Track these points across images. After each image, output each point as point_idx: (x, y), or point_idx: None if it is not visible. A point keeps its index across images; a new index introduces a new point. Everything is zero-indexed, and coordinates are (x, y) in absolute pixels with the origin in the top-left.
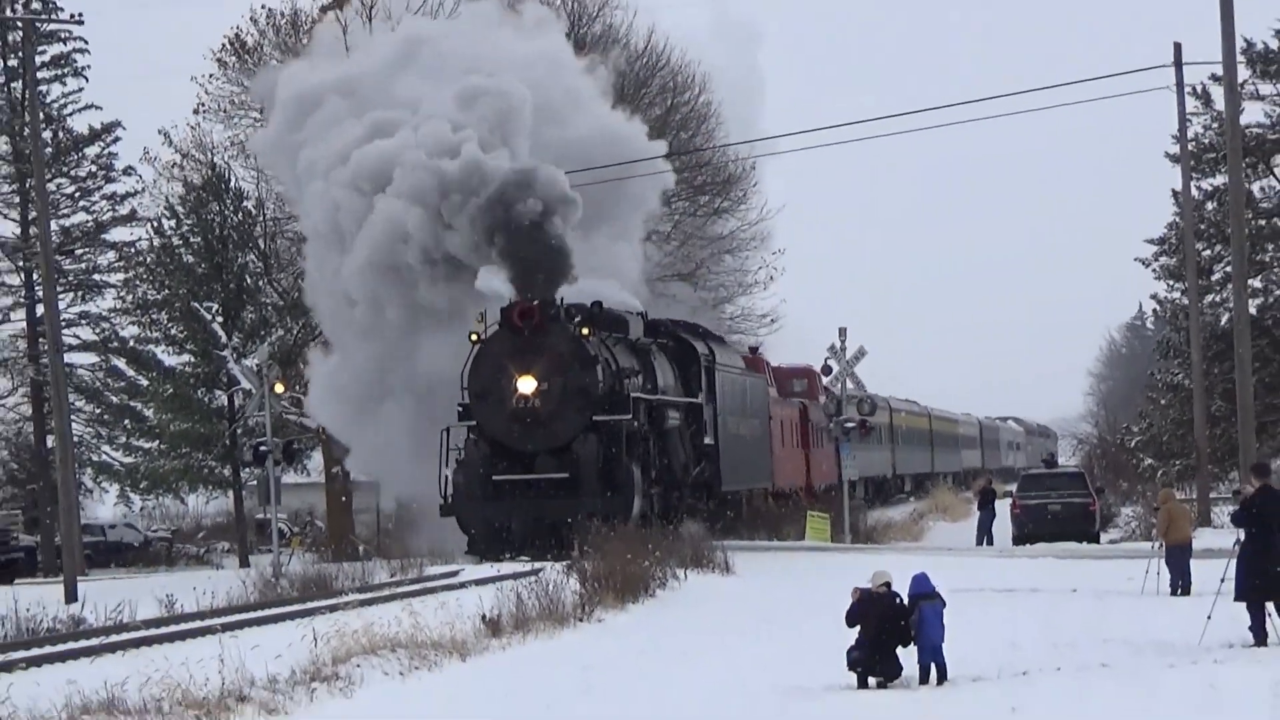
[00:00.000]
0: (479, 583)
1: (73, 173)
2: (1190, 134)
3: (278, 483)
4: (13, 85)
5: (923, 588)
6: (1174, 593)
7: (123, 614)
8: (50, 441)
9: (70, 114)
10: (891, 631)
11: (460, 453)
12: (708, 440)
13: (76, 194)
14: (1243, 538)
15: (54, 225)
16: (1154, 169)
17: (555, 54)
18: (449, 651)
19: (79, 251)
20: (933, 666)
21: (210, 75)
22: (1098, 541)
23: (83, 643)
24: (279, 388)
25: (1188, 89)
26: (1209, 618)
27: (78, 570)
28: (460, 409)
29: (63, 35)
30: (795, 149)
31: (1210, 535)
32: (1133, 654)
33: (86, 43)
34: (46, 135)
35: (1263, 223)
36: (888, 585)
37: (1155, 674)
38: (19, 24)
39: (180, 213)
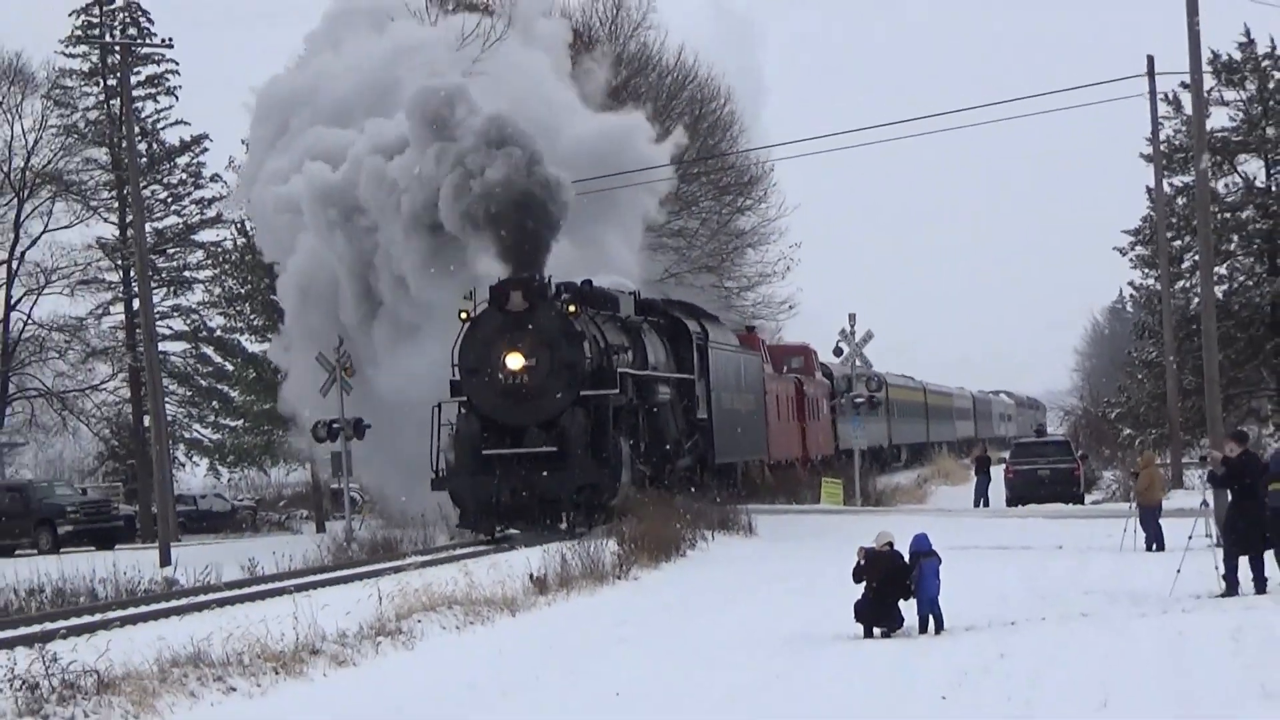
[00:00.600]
0: (528, 545)
1: (165, 180)
2: (1162, 136)
3: (349, 456)
4: (112, 102)
5: (922, 546)
6: (1149, 549)
7: (210, 576)
8: (146, 421)
9: (163, 127)
10: (893, 586)
11: (452, 428)
12: (701, 415)
13: (168, 199)
14: (1211, 500)
15: (148, 228)
16: (1130, 167)
17: (534, 67)
18: (500, 607)
19: (171, 251)
20: (930, 618)
21: None
22: (1082, 503)
23: (173, 603)
24: (348, 371)
25: (1160, 96)
26: (1178, 571)
27: (171, 537)
28: (451, 385)
29: (156, 58)
30: (806, 154)
31: (1182, 496)
32: (1109, 604)
33: (177, 64)
34: (142, 147)
35: (1228, 216)
36: (890, 544)
37: (1129, 622)
38: (117, 48)
39: None
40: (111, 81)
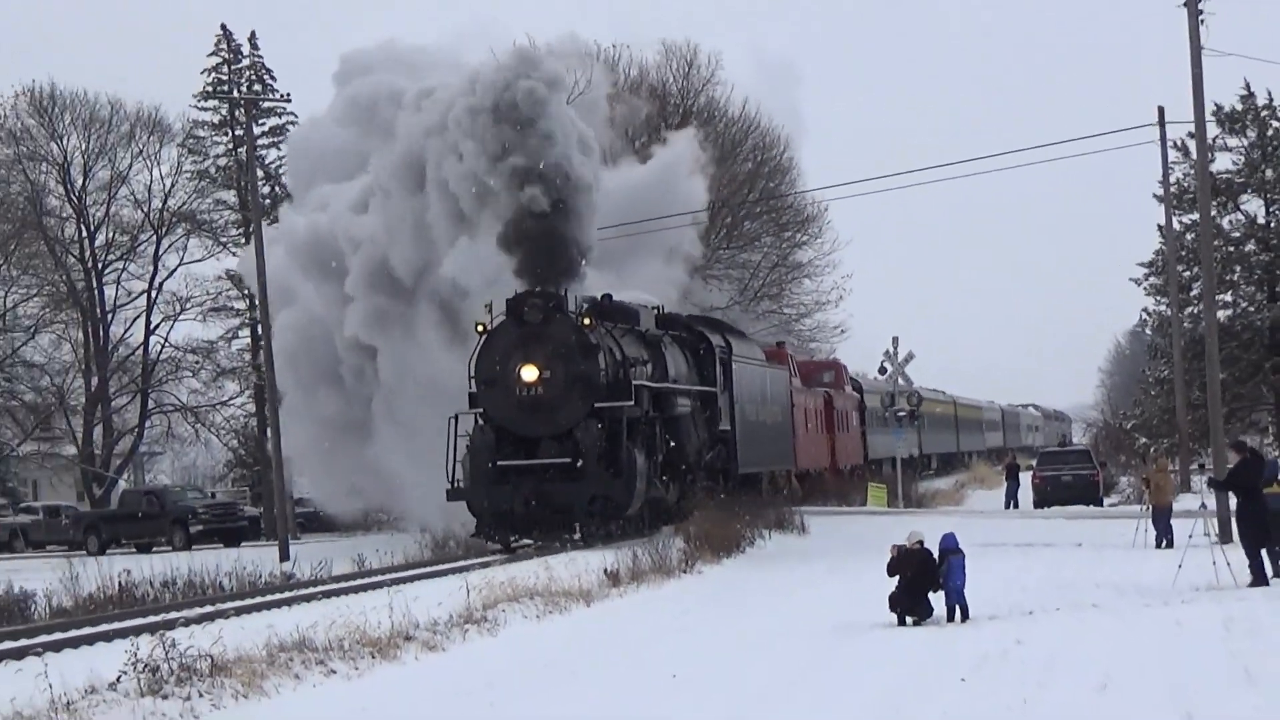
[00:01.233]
0: (604, 544)
1: None
2: (1172, 179)
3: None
4: (239, 150)
5: (949, 544)
6: (1158, 546)
7: (321, 571)
8: (269, 432)
9: (283, 172)
10: (924, 580)
11: (469, 439)
12: (723, 426)
13: None
14: (1213, 504)
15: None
16: (1146, 206)
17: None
18: (576, 598)
19: None
20: (957, 608)
21: None
22: (1101, 505)
23: (284, 594)
24: None
25: (1170, 142)
26: (1179, 567)
27: (289, 535)
28: (470, 397)
29: (277, 110)
30: (854, 195)
31: (1190, 500)
32: (1118, 596)
33: (295, 116)
34: (264, 190)
35: (1231, 249)
36: (920, 542)
37: (1134, 612)
38: (243, 103)
39: None
40: (238, 132)
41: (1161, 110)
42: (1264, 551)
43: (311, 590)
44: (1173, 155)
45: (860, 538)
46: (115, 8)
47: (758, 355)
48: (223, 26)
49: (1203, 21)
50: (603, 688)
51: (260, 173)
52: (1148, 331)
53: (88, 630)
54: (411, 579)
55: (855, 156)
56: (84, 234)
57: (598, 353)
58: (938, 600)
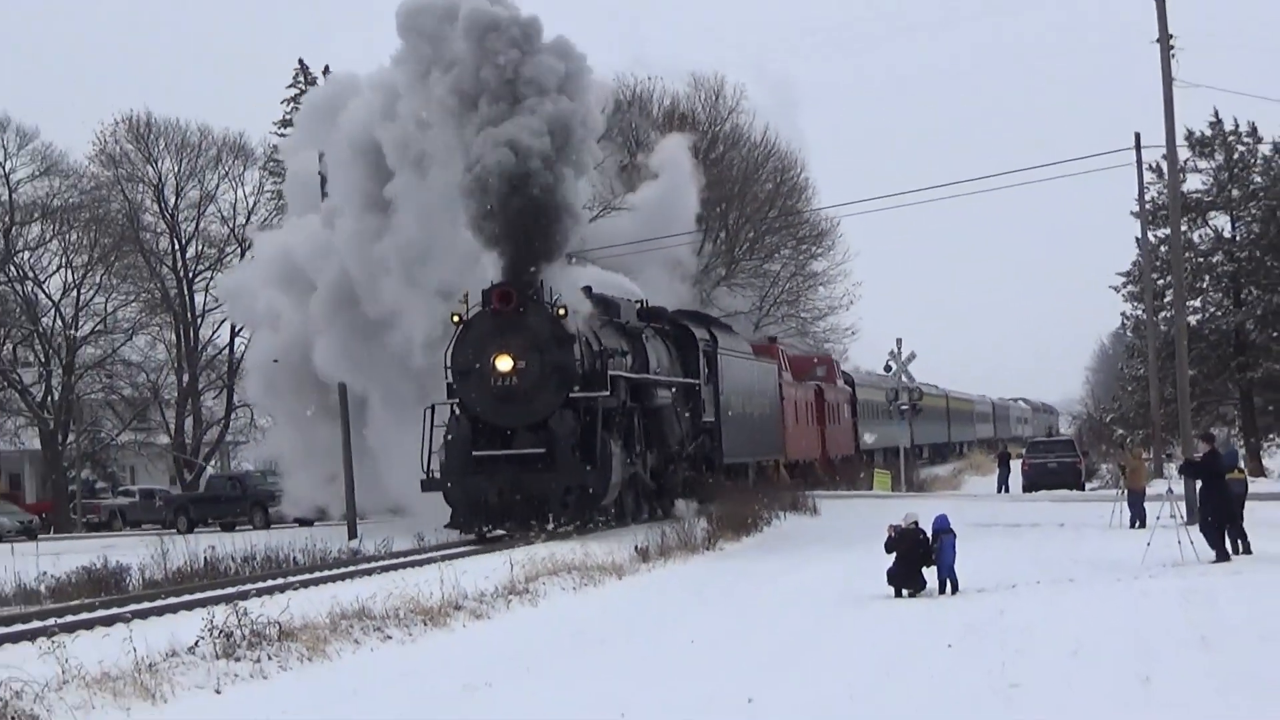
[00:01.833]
0: (635, 523)
1: None
2: (1148, 197)
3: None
4: None
5: (942, 524)
6: (1132, 526)
7: (385, 548)
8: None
9: None
10: (918, 556)
11: (446, 430)
12: (708, 417)
13: None
14: (1179, 489)
15: None
16: (1124, 221)
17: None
18: (609, 572)
19: None
20: (948, 581)
21: None
22: (1083, 489)
23: (347, 568)
24: None
25: (1146, 165)
26: (1149, 545)
27: (357, 515)
28: (448, 388)
29: None
30: (864, 212)
31: (1161, 485)
32: (1093, 571)
33: None
34: None
35: (1200, 260)
36: (915, 523)
37: (1106, 585)
38: None
39: None
40: None
41: (1138, 136)
42: (1226, 530)
43: (371, 565)
44: (1148, 176)
45: (866, 518)
46: (206, 44)
47: (745, 349)
48: (300, 61)
49: (1174, 56)
50: (628, 652)
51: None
52: (1127, 333)
53: (173, 600)
54: (461, 555)
55: (866, 175)
56: (176, 247)
57: (573, 343)
58: (931, 575)
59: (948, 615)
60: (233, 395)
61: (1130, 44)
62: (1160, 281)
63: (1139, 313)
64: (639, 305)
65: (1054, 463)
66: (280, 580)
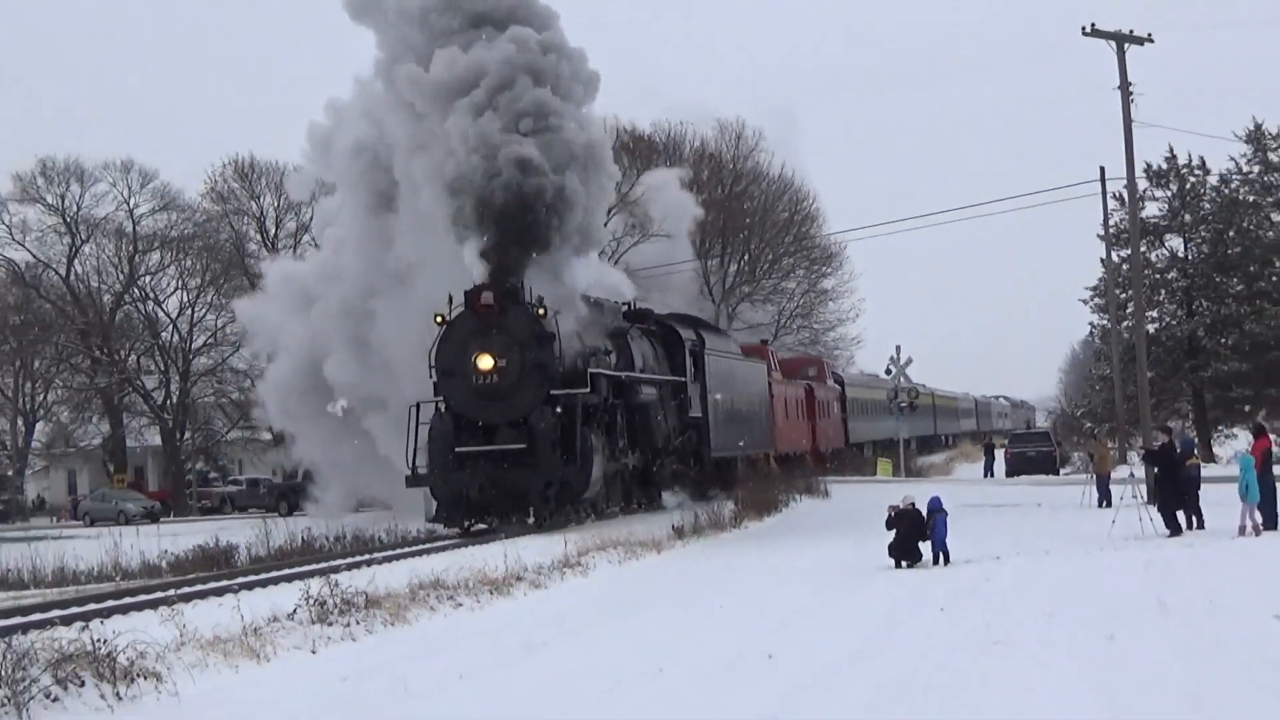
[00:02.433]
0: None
1: None
2: (1111, 222)
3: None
4: None
5: (935, 505)
6: (1099, 505)
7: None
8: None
9: None
10: (915, 533)
11: (430, 426)
12: (694, 413)
13: None
14: (1140, 474)
15: None
16: (1091, 243)
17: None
18: (650, 548)
19: None
20: (940, 555)
21: None
22: (1058, 474)
23: (423, 546)
24: None
25: (1110, 194)
26: (1113, 522)
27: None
28: (434, 386)
29: None
30: (867, 238)
31: (1125, 470)
32: (1066, 544)
33: None
34: None
35: (1158, 277)
36: (912, 504)
37: (1077, 556)
38: None
39: None
40: None
41: (1102, 169)
42: (1179, 510)
43: (445, 543)
44: (1112, 204)
45: (871, 500)
46: (308, 92)
47: (733, 349)
48: None
49: (1133, 101)
50: (664, 615)
51: None
52: (1095, 340)
53: (274, 574)
54: (521, 534)
55: (869, 204)
56: None
57: (553, 341)
58: (926, 548)
59: (940, 583)
60: None
61: (1096, 91)
62: (1123, 295)
63: (1105, 322)
64: (625, 307)
65: (1032, 452)
66: (366, 556)
